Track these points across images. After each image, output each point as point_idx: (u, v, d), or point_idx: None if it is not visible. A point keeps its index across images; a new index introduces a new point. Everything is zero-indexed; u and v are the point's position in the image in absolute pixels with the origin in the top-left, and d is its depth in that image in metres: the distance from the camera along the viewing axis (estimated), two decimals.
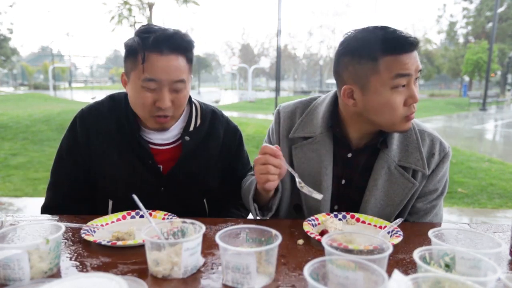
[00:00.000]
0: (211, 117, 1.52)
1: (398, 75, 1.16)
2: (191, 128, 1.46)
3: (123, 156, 1.41)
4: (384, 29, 1.18)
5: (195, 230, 0.95)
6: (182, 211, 1.28)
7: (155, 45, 1.24)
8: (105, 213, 1.37)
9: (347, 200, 1.38)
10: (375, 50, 1.17)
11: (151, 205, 1.21)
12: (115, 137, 1.41)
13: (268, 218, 1.32)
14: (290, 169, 1.23)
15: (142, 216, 1.26)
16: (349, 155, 1.36)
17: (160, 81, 1.26)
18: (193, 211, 1.49)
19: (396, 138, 1.33)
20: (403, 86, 1.18)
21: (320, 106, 1.40)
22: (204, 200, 1.55)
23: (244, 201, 1.43)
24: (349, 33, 1.24)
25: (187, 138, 1.43)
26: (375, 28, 1.19)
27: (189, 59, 1.33)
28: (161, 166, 1.44)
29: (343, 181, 1.38)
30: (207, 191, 1.54)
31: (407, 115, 1.21)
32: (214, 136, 1.51)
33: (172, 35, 1.27)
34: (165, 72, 1.25)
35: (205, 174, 1.50)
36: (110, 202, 1.45)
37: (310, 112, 1.41)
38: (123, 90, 1.46)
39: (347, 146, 1.36)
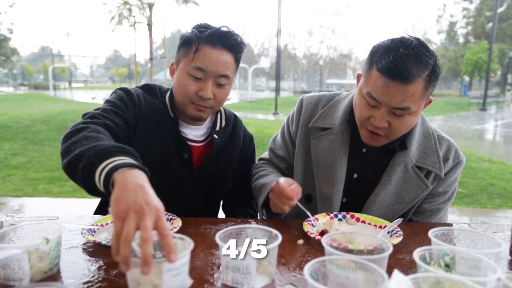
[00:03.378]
0: (234, 120, 1.59)
1: (367, 94, 1.19)
2: (217, 128, 1.51)
3: (162, 146, 1.40)
4: (404, 47, 1.14)
5: (184, 246, 0.81)
6: (201, 210, 1.44)
7: (210, 39, 1.31)
8: None
9: (357, 194, 1.39)
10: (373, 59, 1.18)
11: (177, 202, 1.30)
12: (157, 127, 1.40)
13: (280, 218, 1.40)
14: (304, 208, 1.24)
15: None
16: (364, 150, 1.37)
17: (206, 72, 1.31)
18: (209, 211, 1.58)
19: (415, 140, 1.33)
20: (372, 106, 1.20)
21: (343, 101, 1.43)
22: (221, 203, 1.63)
23: (254, 195, 1.46)
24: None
25: (216, 136, 1.48)
26: (401, 42, 1.15)
27: (237, 59, 1.38)
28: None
29: (355, 175, 1.39)
30: (225, 193, 1.61)
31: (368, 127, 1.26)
32: (236, 138, 1.57)
33: (227, 32, 1.33)
34: (214, 64, 1.31)
35: (226, 174, 1.56)
36: None
37: (332, 105, 1.44)
38: None
39: (363, 141, 1.34)
